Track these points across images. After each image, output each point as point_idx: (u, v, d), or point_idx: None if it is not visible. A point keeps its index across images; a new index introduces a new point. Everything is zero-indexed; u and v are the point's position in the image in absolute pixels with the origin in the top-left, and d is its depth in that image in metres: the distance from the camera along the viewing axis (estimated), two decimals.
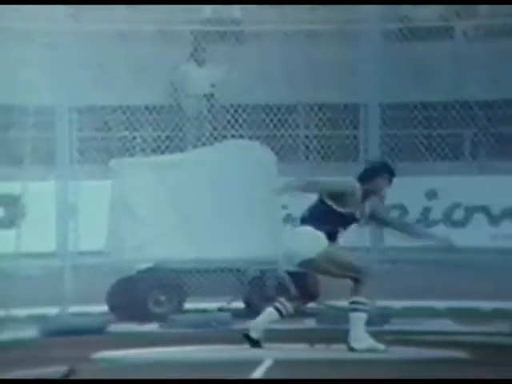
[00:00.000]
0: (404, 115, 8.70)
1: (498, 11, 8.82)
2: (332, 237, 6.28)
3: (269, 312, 6.36)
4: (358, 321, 6.21)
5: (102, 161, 8.33)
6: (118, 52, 8.75)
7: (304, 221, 6.30)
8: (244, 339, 6.30)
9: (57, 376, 5.16)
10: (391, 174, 6.45)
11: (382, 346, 6.21)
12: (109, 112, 8.58)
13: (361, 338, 6.20)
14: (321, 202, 6.30)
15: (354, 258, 6.37)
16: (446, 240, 6.56)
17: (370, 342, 6.20)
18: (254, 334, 6.31)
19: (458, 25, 9.02)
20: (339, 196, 6.26)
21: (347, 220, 6.31)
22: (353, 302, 6.26)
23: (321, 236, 6.23)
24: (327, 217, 6.24)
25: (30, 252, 7.84)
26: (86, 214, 7.77)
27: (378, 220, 6.57)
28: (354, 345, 6.19)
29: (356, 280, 6.28)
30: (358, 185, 6.35)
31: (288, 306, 6.35)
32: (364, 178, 6.38)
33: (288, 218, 8.16)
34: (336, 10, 8.85)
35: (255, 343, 6.30)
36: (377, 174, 6.39)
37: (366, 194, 6.35)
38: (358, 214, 6.35)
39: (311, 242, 6.22)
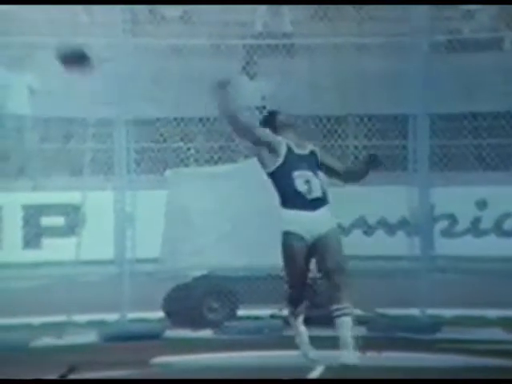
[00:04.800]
0: (453, 125, 8.77)
1: None
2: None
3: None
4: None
5: (158, 171, 8.56)
6: (172, 65, 8.98)
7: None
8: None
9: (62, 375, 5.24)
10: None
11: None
12: (164, 124, 8.80)
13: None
14: None
15: None
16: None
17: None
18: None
19: (508, 35, 9.08)
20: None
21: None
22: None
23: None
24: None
25: (90, 259, 8.06)
26: (142, 223, 7.98)
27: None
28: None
29: None
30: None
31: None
32: None
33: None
34: (385, 22, 8.97)
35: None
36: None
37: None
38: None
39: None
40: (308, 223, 5.94)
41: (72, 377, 5.33)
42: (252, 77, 9.26)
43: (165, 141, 8.85)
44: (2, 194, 8.55)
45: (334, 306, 5.99)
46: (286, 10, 9.61)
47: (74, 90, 8.33)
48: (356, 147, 8.99)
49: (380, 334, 7.66)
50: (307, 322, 7.71)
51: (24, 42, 8.56)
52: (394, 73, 8.38)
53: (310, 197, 5.90)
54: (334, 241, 5.95)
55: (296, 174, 5.91)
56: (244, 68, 9.19)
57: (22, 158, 8.99)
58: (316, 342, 6.51)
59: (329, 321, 7.97)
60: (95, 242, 8.04)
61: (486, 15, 9.27)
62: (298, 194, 5.91)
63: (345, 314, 5.98)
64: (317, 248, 5.99)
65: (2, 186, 8.64)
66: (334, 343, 6.85)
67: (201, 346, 7.22)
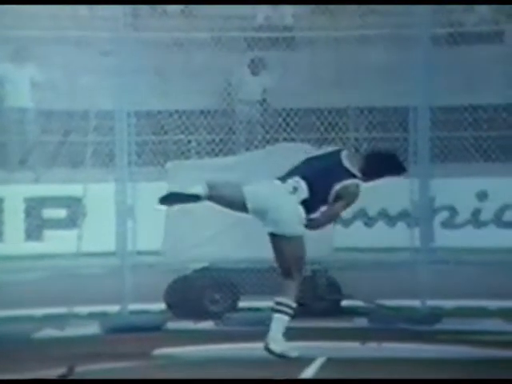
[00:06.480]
0: (454, 117, 8.79)
1: None
2: None
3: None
4: (280, 323, 6.05)
5: (159, 163, 8.59)
6: (174, 59, 9.01)
7: None
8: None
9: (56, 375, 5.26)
10: None
11: (295, 353, 6.02)
12: (165, 116, 8.83)
13: (278, 341, 6.02)
14: None
15: None
16: None
17: (285, 347, 6.02)
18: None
19: (508, 28, 9.09)
20: None
21: None
22: (278, 303, 6.10)
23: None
24: None
25: (91, 251, 8.09)
26: (143, 215, 8.00)
27: None
28: (272, 346, 6.00)
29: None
30: None
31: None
32: None
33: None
34: (386, 15, 8.99)
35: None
36: None
37: None
38: None
39: None
40: None
41: (72, 376, 5.33)
42: (254, 71, 9.28)
43: (166, 133, 8.88)
44: (4, 186, 8.58)
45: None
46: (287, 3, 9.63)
47: (75, 83, 8.36)
48: (356, 139, 9.02)
49: (380, 325, 7.67)
50: (308, 314, 7.73)
51: (25, 35, 8.60)
52: (395, 65, 8.40)
53: None
54: None
55: None
56: (249, 66, 9.19)
57: (23, 151, 9.03)
58: (315, 333, 6.51)
59: (328, 313, 7.99)
60: (96, 234, 8.06)
61: (487, 8, 9.29)
62: None
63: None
64: None
65: (4, 179, 8.67)
66: (334, 334, 6.86)
67: (202, 338, 7.24)
